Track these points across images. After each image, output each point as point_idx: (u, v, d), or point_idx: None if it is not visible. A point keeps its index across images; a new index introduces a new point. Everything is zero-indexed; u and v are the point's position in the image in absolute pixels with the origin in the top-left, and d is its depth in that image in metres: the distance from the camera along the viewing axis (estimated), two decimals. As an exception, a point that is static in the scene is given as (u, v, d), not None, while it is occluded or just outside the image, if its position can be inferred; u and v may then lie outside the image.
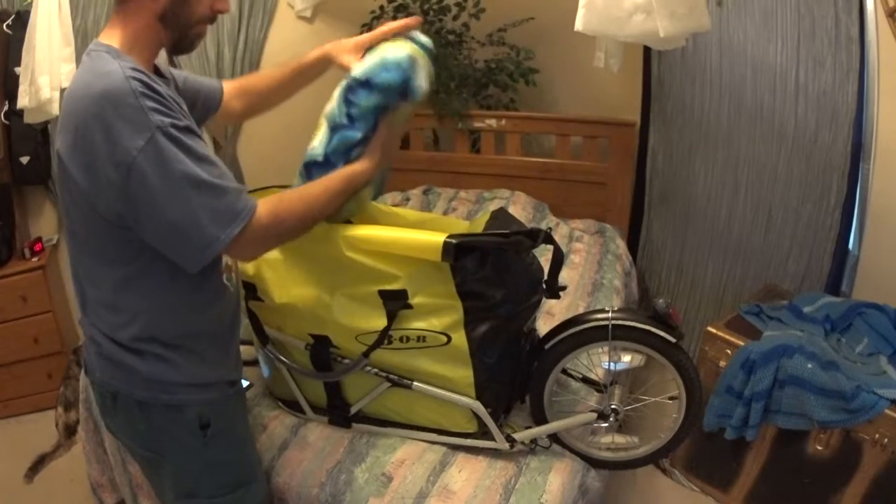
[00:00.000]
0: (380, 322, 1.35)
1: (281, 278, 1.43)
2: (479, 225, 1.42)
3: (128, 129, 0.93)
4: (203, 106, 1.34)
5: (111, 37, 1.04)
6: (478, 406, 1.40)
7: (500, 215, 1.47)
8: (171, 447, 1.18)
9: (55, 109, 2.11)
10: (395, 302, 1.33)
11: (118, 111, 0.93)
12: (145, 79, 0.97)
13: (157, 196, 0.96)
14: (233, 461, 1.24)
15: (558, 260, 1.40)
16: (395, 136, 1.36)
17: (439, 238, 1.25)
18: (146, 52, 1.06)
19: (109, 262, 1.07)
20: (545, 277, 1.44)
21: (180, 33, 1.08)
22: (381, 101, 1.24)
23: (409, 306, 1.33)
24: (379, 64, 1.23)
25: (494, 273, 1.31)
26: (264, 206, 1.06)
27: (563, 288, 1.43)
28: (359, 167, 1.25)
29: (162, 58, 1.14)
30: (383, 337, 1.36)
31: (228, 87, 1.41)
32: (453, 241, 1.24)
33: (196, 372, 1.15)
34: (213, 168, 1.00)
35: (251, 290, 1.48)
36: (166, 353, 1.11)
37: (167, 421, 1.15)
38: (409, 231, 1.32)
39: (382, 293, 1.33)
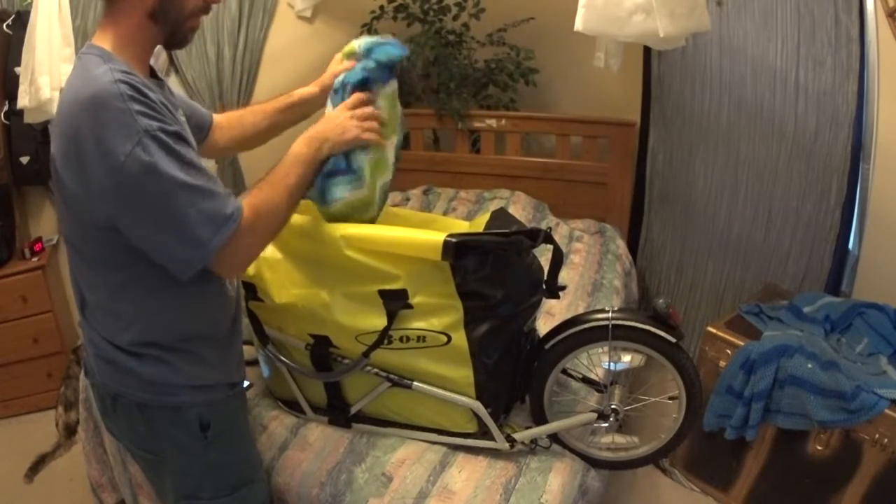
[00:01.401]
0: (380, 322, 1.35)
1: (281, 278, 1.43)
2: (479, 225, 1.42)
3: (116, 133, 0.92)
4: (193, 129, 1.31)
5: (103, 38, 1.03)
6: (478, 406, 1.40)
7: (501, 215, 1.47)
8: (171, 449, 1.17)
9: (55, 109, 2.11)
10: (395, 301, 1.33)
11: (107, 116, 0.92)
12: (135, 82, 0.96)
13: (147, 200, 0.95)
14: (234, 462, 1.24)
15: (558, 260, 1.40)
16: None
17: (439, 237, 1.25)
18: (138, 50, 1.05)
19: (104, 267, 1.07)
20: (545, 277, 1.44)
21: (173, 28, 1.07)
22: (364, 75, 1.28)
23: (410, 306, 1.33)
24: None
25: (495, 273, 1.31)
26: (244, 204, 1.04)
27: (563, 288, 1.43)
28: (320, 153, 1.20)
29: (161, 60, 1.14)
30: (383, 337, 1.36)
31: (216, 117, 1.43)
32: (453, 239, 1.24)
33: (196, 374, 1.15)
34: (200, 174, 0.99)
35: (251, 290, 1.48)
36: (165, 355, 1.11)
37: (168, 423, 1.15)
38: (409, 230, 1.32)
39: (382, 293, 1.33)
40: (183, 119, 1.15)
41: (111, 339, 1.11)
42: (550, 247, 1.38)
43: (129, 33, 1.03)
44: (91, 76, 0.96)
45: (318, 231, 1.33)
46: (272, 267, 1.43)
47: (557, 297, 1.43)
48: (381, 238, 1.30)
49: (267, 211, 1.07)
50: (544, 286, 1.44)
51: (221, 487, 1.22)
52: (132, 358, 1.10)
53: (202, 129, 1.37)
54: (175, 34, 1.08)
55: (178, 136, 0.99)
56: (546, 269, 1.44)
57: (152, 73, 1.13)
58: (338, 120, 1.23)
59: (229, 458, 1.23)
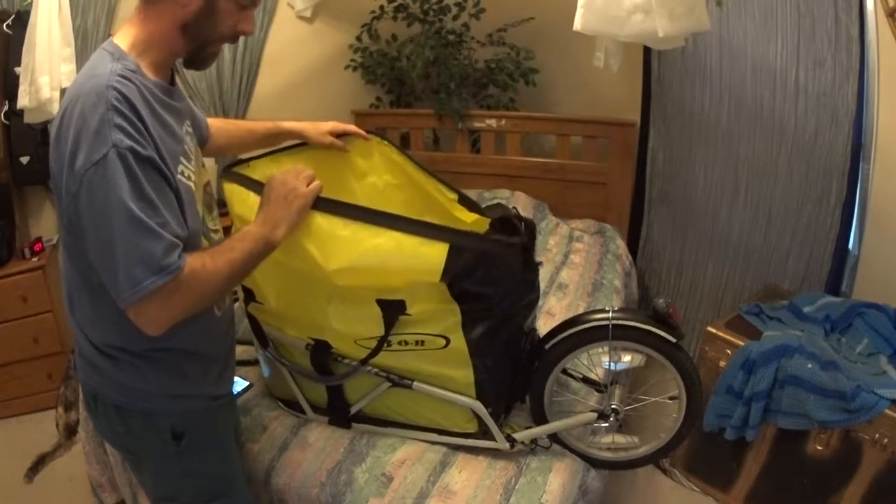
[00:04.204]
0: (378, 329, 1.34)
1: (277, 286, 1.41)
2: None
3: (90, 140, 0.90)
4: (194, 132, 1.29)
5: (125, 35, 1.02)
6: (478, 406, 1.39)
7: (495, 208, 1.47)
8: (147, 452, 1.17)
9: (55, 109, 2.11)
10: (393, 310, 1.32)
11: (90, 119, 0.91)
12: (129, 90, 0.94)
13: (98, 216, 0.92)
14: (209, 473, 1.22)
15: (531, 228, 1.40)
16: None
17: (437, 261, 1.21)
18: (158, 56, 1.04)
19: (80, 265, 1.05)
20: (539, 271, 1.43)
21: (198, 46, 1.06)
22: None
23: (407, 314, 1.32)
24: None
25: (487, 274, 1.29)
26: (189, 268, 0.97)
27: (539, 264, 1.42)
28: (274, 235, 1.12)
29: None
30: (381, 344, 1.35)
31: (213, 122, 1.41)
32: (455, 264, 1.21)
33: (171, 384, 1.13)
34: (155, 212, 0.94)
35: (249, 294, 1.47)
36: (137, 362, 1.09)
37: (142, 427, 1.13)
38: (400, 252, 1.22)
39: (381, 302, 1.32)
40: (186, 130, 1.12)
41: (89, 337, 1.10)
42: (549, 247, 1.38)
43: (153, 38, 1.02)
44: (93, 73, 0.95)
45: (307, 261, 1.24)
46: (268, 274, 1.39)
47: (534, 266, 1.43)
48: (373, 269, 1.24)
49: (203, 278, 0.99)
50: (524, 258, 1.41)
51: (197, 495, 1.21)
52: (107, 360, 1.09)
53: (201, 134, 1.34)
54: (199, 53, 1.07)
55: (150, 163, 0.95)
56: (540, 267, 1.44)
57: (171, 79, 1.10)
58: (282, 191, 1.16)
59: (205, 468, 1.21)
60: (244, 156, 1.50)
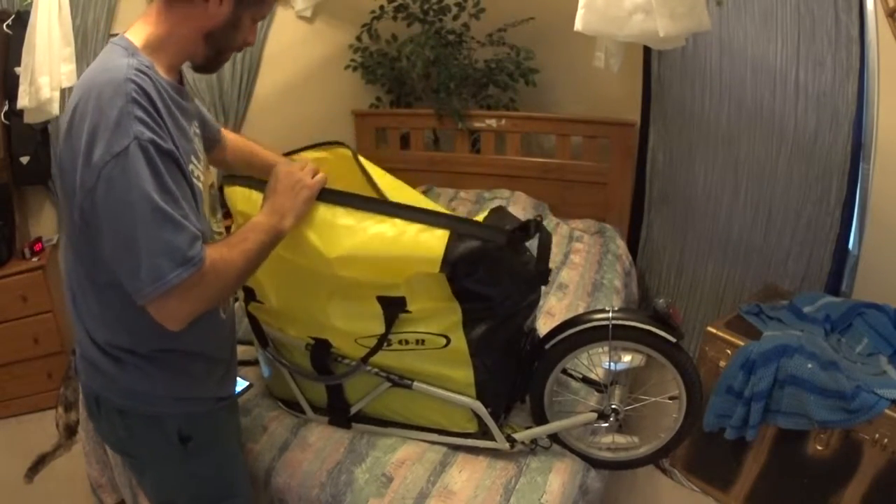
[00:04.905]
0: (378, 326, 1.34)
1: (278, 283, 1.41)
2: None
3: (110, 133, 0.90)
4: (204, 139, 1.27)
5: (138, 33, 1.01)
6: (478, 406, 1.39)
7: (498, 211, 1.47)
8: (150, 456, 1.16)
9: (55, 109, 2.11)
10: (393, 308, 1.32)
11: (108, 111, 0.90)
12: (146, 85, 0.94)
13: (118, 209, 0.91)
14: (213, 475, 1.22)
15: (545, 244, 1.36)
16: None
17: (436, 251, 1.21)
18: (172, 57, 1.04)
19: (86, 263, 1.04)
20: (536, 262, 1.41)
21: (216, 54, 1.07)
22: None
23: (408, 311, 1.33)
24: None
25: (489, 273, 1.30)
26: (210, 260, 0.97)
27: (549, 270, 1.39)
28: (283, 224, 1.15)
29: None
30: (382, 342, 1.35)
31: (228, 134, 1.40)
32: (454, 252, 1.21)
33: (177, 386, 1.12)
34: (176, 205, 0.94)
35: (250, 293, 1.47)
36: (142, 364, 1.08)
37: (147, 431, 1.13)
38: (402, 245, 1.23)
39: (381, 299, 1.32)
40: (195, 131, 1.12)
41: (94, 337, 1.09)
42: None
43: (169, 38, 1.02)
44: (109, 66, 0.95)
45: (308, 251, 1.25)
46: (269, 272, 1.40)
47: (546, 282, 1.41)
48: (373, 258, 1.24)
49: (223, 269, 1.00)
50: (538, 273, 1.39)
51: (199, 498, 1.21)
52: (112, 362, 1.08)
53: (211, 141, 1.33)
54: (213, 59, 1.09)
55: (170, 156, 0.95)
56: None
57: (180, 80, 1.10)
58: (289, 182, 1.18)
59: (209, 471, 1.20)
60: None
